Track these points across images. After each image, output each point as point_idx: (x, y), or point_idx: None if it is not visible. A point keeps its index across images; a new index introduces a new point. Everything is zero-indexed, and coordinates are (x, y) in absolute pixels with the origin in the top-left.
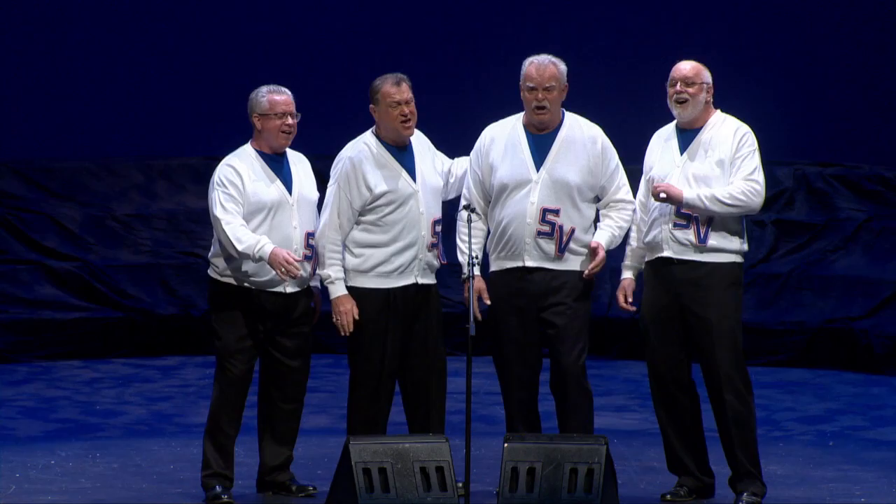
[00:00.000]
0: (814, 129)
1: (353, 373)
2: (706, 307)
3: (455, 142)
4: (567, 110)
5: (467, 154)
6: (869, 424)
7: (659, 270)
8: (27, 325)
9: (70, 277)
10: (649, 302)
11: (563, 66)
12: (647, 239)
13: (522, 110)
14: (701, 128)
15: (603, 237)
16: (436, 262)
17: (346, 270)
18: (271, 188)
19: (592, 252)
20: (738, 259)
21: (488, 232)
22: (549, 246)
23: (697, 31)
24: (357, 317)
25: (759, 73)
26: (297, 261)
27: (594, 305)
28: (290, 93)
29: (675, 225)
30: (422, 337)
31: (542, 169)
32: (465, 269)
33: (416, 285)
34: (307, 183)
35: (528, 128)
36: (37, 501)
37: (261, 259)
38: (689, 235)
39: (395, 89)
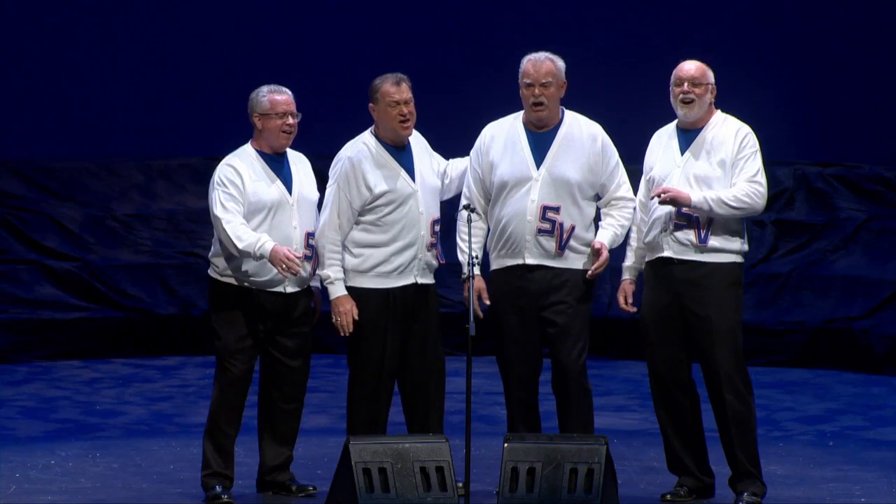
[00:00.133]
0: (814, 129)
1: (353, 373)
2: (706, 307)
3: (455, 142)
4: (567, 109)
5: (467, 154)
6: (869, 424)
7: (659, 270)
8: (27, 325)
9: (70, 277)
10: (649, 302)
11: (560, 63)
12: (648, 239)
13: (522, 109)
14: (702, 128)
15: (605, 237)
16: (434, 262)
17: (345, 271)
18: (271, 188)
19: (596, 252)
20: (738, 259)
21: (488, 231)
22: (550, 243)
23: (697, 30)
24: (357, 317)
25: (759, 73)
26: (297, 257)
27: (594, 305)
28: (290, 93)
29: (676, 225)
30: (420, 337)
31: (542, 167)
32: (465, 269)
33: (415, 285)
34: (307, 183)
35: (528, 126)
36: (37, 501)
37: (262, 257)
38: (690, 236)
39: (395, 89)
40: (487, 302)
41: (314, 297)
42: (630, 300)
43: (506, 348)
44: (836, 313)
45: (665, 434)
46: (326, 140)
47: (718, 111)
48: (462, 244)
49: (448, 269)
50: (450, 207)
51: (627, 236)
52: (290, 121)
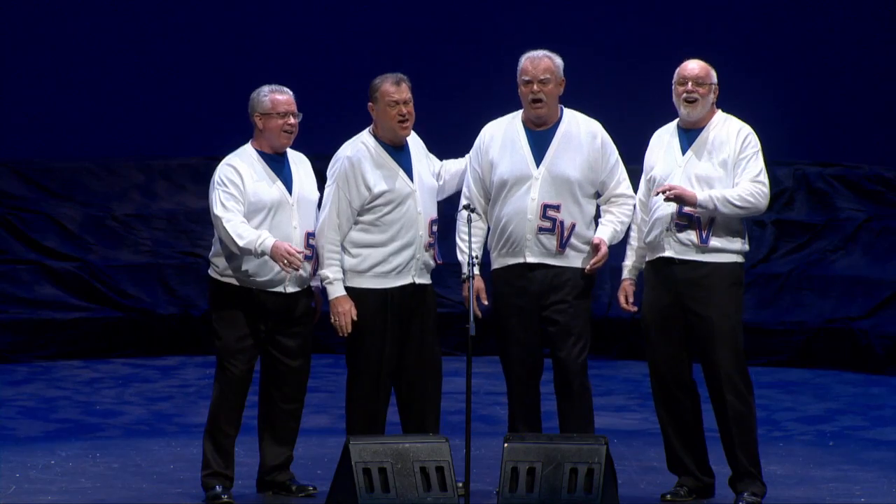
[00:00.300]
0: (814, 129)
1: (352, 373)
2: (707, 307)
3: (455, 142)
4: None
5: (467, 154)
6: (869, 424)
7: (660, 270)
8: (27, 325)
9: (70, 277)
10: (650, 302)
11: (558, 60)
12: (649, 239)
13: (522, 109)
14: (703, 127)
15: (605, 233)
16: (432, 262)
17: (344, 271)
18: (272, 188)
19: (595, 248)
20: (739, 259)
21: (488, 230)
22: (551, 242)
23: (697, 30)
24: (355, 317)
25: (760, 73)
26: (298, 252)
27: (594, 305)
28: (291, 92)
29: (677, 225)
30: (418, 337)
31: (541, 165)
32: (465, 269)
33: (413, 285)
34: (307, 183)
35: (527, 124)
36: (37, 501)
37: (263, 254)
38: (691, 236)
39: (395, 88)
40: (486, 302)
41: (314, 297)
42: (631, 300)
43: (509, 349)
44: (836, 313)
45: (665, 434)
46: (326, 140)
47: (719, 111)
48: (462, 244)
49: (447, 269)
50: (448, 207)
51: (627, 234)
52: (292, 121)
